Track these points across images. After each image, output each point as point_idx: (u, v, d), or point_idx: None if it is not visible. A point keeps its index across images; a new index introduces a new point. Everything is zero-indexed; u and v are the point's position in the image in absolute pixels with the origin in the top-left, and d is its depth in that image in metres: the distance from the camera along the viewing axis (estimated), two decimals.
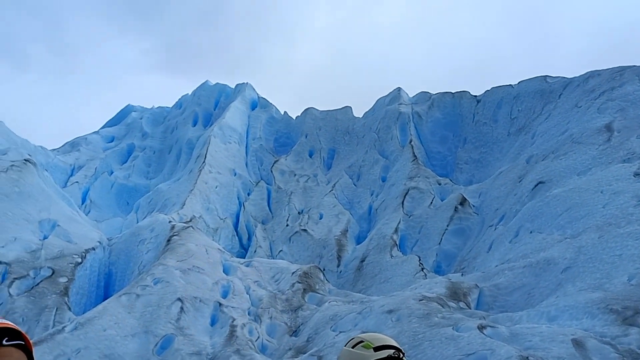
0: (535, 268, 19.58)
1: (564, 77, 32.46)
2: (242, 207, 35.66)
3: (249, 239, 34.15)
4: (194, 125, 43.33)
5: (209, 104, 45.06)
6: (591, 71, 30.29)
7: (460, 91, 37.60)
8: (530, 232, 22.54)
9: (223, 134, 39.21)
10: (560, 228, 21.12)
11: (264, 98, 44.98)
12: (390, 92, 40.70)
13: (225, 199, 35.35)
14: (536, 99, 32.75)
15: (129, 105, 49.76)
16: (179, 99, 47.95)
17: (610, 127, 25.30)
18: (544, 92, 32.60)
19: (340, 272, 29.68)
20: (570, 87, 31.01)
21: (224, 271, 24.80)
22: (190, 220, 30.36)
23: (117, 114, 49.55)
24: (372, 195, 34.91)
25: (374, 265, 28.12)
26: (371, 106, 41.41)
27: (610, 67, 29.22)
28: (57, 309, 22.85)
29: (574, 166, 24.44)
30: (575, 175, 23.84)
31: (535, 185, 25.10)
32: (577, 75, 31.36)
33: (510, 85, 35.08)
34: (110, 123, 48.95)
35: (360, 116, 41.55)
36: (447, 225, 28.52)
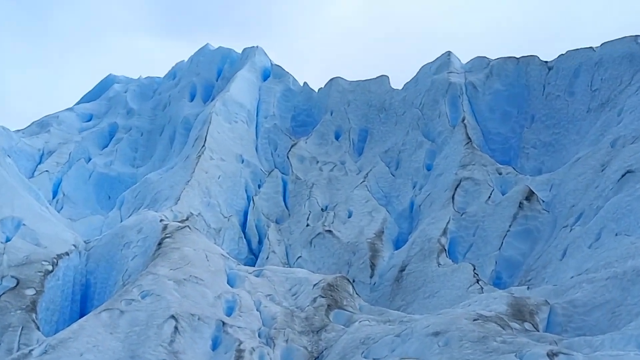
0: (622, 280, 19.45)
1: None
2: (252, 203, 35.73)
3: (260, 242, 34.32)
4: (192, 99, 43.28)
5: (209, 74, 44.99)
6: None
7: (527, 56, 37.22)
8: (616, 235, 22.45)
9: (227, 110, 39.24)
10: None
11: (278, 66, 44.89)
12: (437, 58, 40.41)
13: (230, 192, 35.50)
14: (624, 66, 32.48)
15: (110, 75, 49.63)
16: (173, 67, 47.81)
17: None
18: (634, 56, 32.33)
19: (374, 284, 29.98)
20: None
21: (228, 282, 24.97)
22: (187, 219, 30.60)
23: (97, 86, 49.32)
24: (414, 187, 34.88)
25: (417, 275, 28.34)
26: (413, 75, 41.05)
27: None
28: (22, 327, 22.88)
29: None
30: None
31: (623, 176, 24.95)
32: None
33: (590, 48, 34.71)
34: (88, 97, 48.61)
35: (400, 88, 41.16)
36: (510, 226, 28.61)
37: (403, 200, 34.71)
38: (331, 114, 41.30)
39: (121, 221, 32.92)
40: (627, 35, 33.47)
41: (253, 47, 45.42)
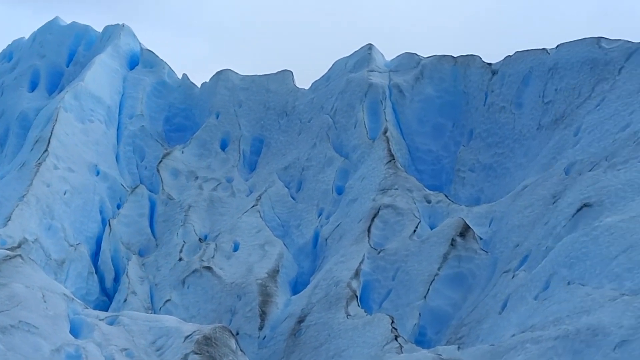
0: (574, 341, 19.61)
1: (629, 42, 32.63)
2: (107, 228, 35.58)
3: (116, 279, 34.17)
4: (32, 89, 42.51)
5: (58, 57, 44.14)
6: None
7: (467, 55, 37.52)
8: (568, 284, 22.49)
9: (80, 106, 38.69)
10: (615, 278, 21.19)
11: (150, 51, 44.34)
12: (355, 52, 40.21)
13: (79, 213, 35.23)
14: (584, 74, 32.65)
15: None
16: (9, 45, 46.90)
17: None
18: (596, 63, 32.54)
19: (264, 337, 30.11)
20: (636, 57, 31.13)
21: (71, 331, 24.81)
22: (19, 247, 30.56)
23: None
24: (320, 215, 35.00)
25: (319, 328, 28.50)
26: (324, 73, 40.98)
27: None
28: None
29: (638, 181, 24.66)
30: (639, 196, 24.04)
31: (579, 210, 25.23)
32: None
33: (544, 49, 35.09)
34: None
35: (307, 88, 41.15)
36: (439, 269, 28.88)
37: (305, 231, 34.80)
38: (217, 117, 40.91)
39: None
40: (588, 36, 34.16)
41: (117, 25, 44.40)
